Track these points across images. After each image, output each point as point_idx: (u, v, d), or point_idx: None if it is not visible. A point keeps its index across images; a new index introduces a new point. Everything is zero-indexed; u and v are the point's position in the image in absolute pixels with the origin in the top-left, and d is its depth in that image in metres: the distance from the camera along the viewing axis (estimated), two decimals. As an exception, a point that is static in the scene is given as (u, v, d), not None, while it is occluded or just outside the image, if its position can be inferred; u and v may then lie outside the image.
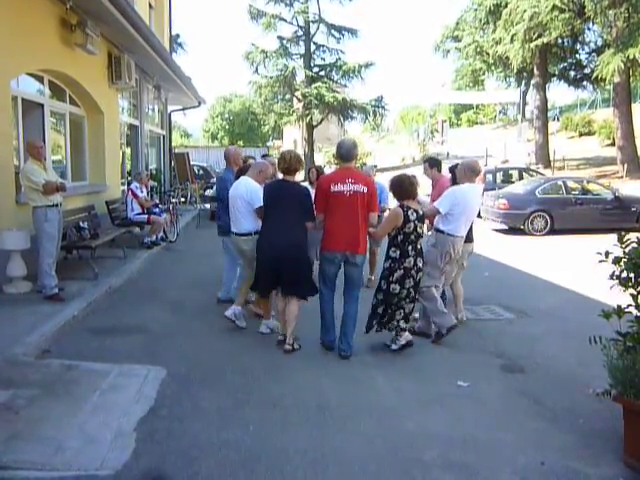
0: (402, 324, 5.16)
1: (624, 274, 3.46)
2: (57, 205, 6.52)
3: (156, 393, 4.16)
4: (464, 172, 5.68)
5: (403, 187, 5.13)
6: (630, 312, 3.47)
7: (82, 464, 3.15)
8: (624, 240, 3.48)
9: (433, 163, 6.82)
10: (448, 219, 5.49)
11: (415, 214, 5.03)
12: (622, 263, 3.45)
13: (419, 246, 5.13)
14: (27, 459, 3.18)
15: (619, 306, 3.48)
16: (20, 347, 4.83)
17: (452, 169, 6.40)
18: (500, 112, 46.22)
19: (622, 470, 3.29)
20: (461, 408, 4.12)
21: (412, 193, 5.13)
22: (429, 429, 3.76)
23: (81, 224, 8.08)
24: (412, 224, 5.00)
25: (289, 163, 5.11)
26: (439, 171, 6.82)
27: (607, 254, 3.58)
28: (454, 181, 6.11)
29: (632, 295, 3.45)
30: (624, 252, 3.49)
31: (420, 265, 5.13)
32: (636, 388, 3.23)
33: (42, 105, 8.47)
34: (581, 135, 31.69)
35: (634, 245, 3.43)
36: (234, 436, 3.57)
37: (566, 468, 3.32)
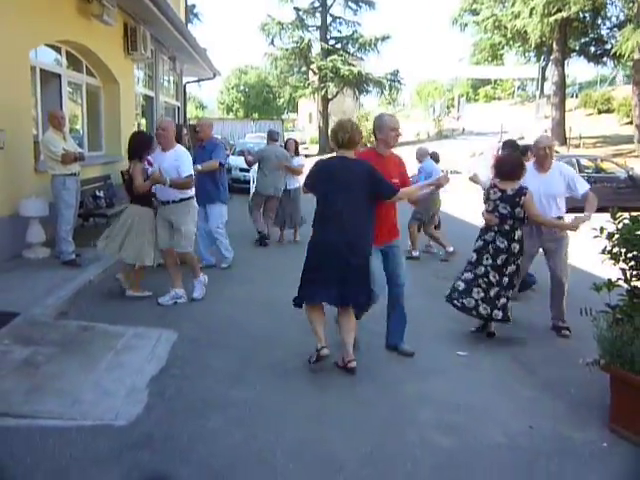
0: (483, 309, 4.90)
1: (615, 249, 3.58)
2: (75, 174, 6.71)
3: (167, 354, 4.38)
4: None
5: (505, 168, 4.97)
6: (620, 285, 3.60)
7: (98, 415, 3.38)
8: (617, 216, 3.59)
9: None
10: None
11: (499, 193, 4.89)
12: (614, 239, 3.57)
13: (506, 227, 4.85)
14: (46, 409, 3.40)
15: (609, 279, 3.61)
16: (39, 308, 5.06)
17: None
18: (519, 88, 45.48)
19: (607, 435, 3.45)
20: (459, 376, 4.29)
21: (510, 175, 4.92)
22: (426, 394, 3.93)
23: (97, 193, 8.29)
24: (492, 203, 4.93)
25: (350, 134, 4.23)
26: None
27: (602, 230, 3.71)
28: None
29: (622, 269, 3.57)
30: (617, 228, 3.61)
31: (502, 246, 4.84)
32: (622, 358, 3.37)
33: (59, 75, 8.63)
34: (600, 112, 31.17)
35: (626, 222, 3.54)
36: (240, 394, 3.78)
37: (554, 432, 3.49)
